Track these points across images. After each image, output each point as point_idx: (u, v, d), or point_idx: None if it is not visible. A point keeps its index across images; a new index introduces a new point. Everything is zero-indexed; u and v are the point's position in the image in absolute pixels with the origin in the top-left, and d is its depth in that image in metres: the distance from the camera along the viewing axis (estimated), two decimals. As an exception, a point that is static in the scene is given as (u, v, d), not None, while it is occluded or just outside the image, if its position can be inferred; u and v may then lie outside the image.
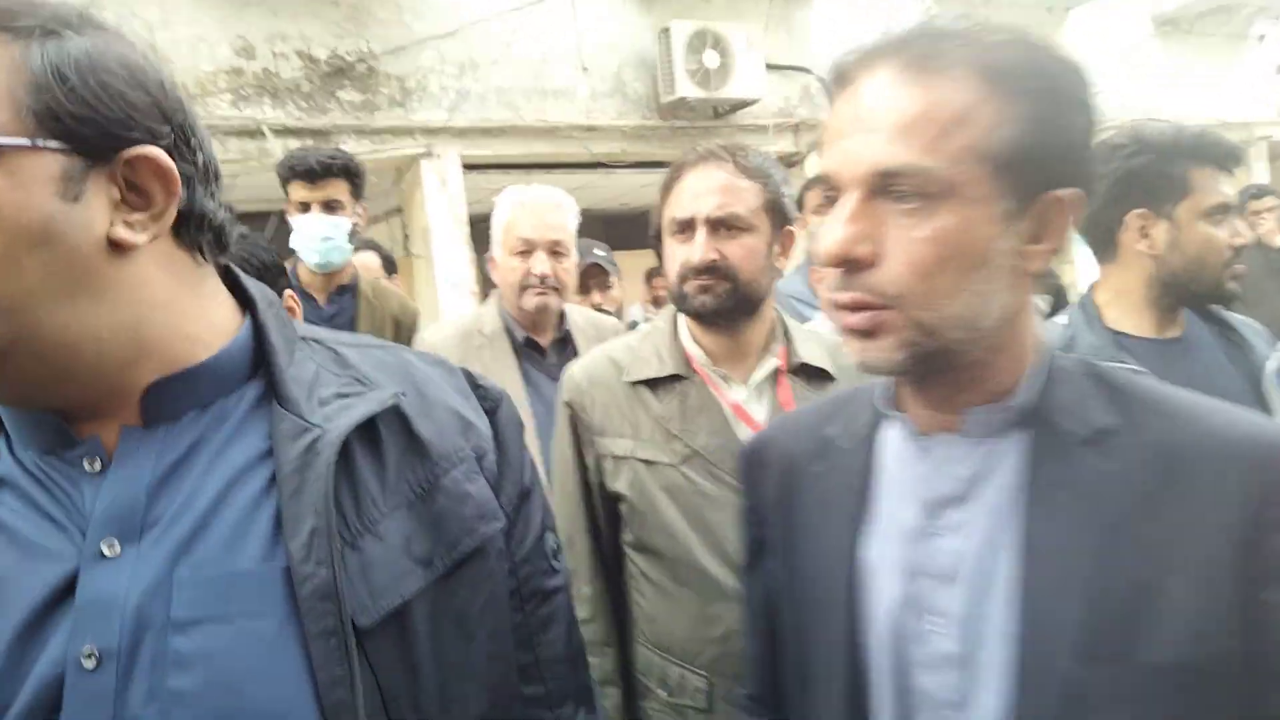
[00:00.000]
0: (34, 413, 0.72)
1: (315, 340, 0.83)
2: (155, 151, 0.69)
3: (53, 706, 0.64)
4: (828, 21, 5.50)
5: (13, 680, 0.65)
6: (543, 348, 2.20)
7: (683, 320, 1.60)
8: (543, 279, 2.12)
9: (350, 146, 4.44)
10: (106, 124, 0.66)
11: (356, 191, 2.68)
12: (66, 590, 0.67)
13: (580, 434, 1.60)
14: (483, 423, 0.85)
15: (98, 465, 0.71)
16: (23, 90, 0.64)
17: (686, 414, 1.52)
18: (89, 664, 0.64)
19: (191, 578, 0.67)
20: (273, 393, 0.76)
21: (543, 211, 2.17)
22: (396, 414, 0.78)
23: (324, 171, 2.61)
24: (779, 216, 1.54)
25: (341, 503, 0.72)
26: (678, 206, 1.52)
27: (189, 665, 0.65)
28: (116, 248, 0.68)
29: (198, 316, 0.75)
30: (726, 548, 1.44)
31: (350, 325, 2.69)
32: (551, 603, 0.88)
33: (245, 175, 4.37)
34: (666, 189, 1.56)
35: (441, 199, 4.75)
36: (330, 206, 2.61)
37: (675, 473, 1.49)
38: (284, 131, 4.32)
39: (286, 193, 2.64)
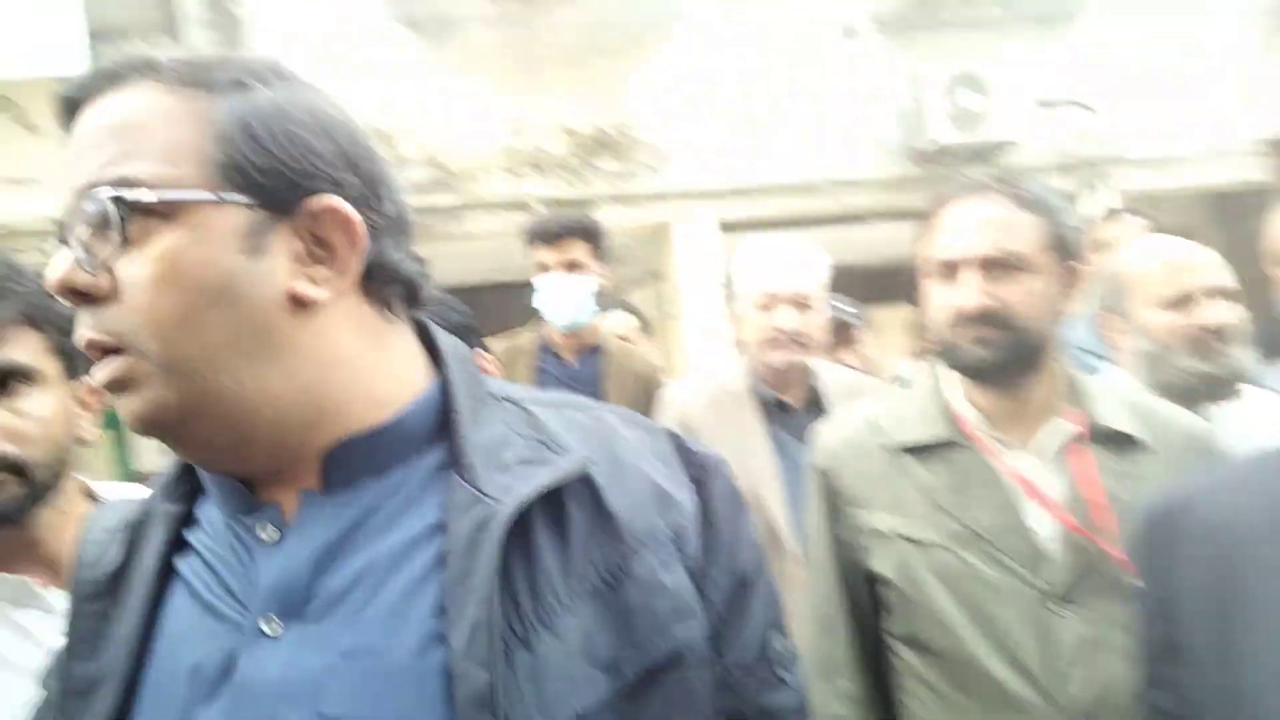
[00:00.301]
0: (221, 477, 0.71)
1: (510, 400, 0.76)
2: (338, 201, 0.66)
3: None
4: (1089, 49, 5.07)
5: None
6: (791, 407, 2.12)
7: (950, 377, 1.42)
8: (787, 334, 2.04)
9: (609, 214, 4.64)
10: (290, 174, 0.65)
11: (598, 252, 2.71)
12: (228, 666, 0.64)
13: (834, 504, 1.42)
14: (686, 496, 0.72)
15: (274, 534, 0.68)
16: (209, 144, 0.64)
17: (959, 486, 1.32)
18: None
19: (346, 669, 0.62)
20: (452, 457, 0.69)
21: (786, 263, 2.10)
22: (585, 484, 0.68)
23: (563, 232, 2.66)
24: (1065, 253, 1.34)
25: (515, 589, 0.63)
26: (942, 246, 1.36)
27: None
28: (299, 304, 0.65)
29: (384, 375, 0.70)
30: (1017, 651, 1.23)
31: (598, 384, 2.73)
32: None
33: (517, 247, 4.67)
34: (928, 227, 1.40)
35: (697, 260, 4.82)
36: (572, 266, 2.65)
37: (949, 555, 1.29)
38: (549, 203, 4.57)
39: (529, 256, 2.71)
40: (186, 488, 0.75)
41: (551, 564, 0.65)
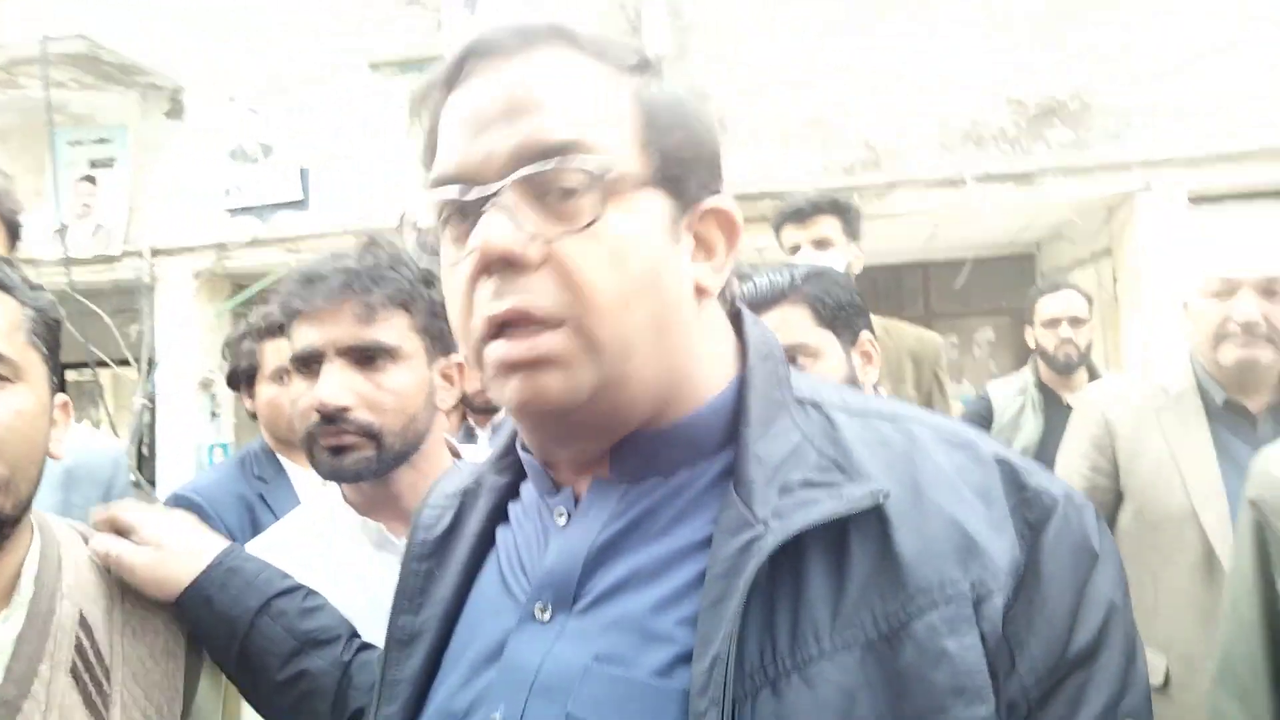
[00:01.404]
0: (530, 458, 0.73)
1: (815, 404, 0.68)
2: (730, 204, 0.68)
3: None
4: None
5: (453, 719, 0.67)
6: (1251, 413, 1.77)
7: None
8: (1249, 326, 1.70)
9: (1055, 187, 4.22)
10: (700, 172, 0.66)
11: (850, 230, 2.59)
12: (503, 644, 0.67)
13: (1270, 548, 1.13)
14: (1006, 546, 0.59)
15: (564, 520, 0.69)
16: (639, 124, 0.63)
17: None
18: None
19: (598, 673, 0.60)
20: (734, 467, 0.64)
21: (1254, 241, 1.76)
22: (875, 517, 0.58)
23: (812, 210, 2.56)
24: None
25: (775, 625, 0.57)
26: None
27: None
28: (699, 294, 0.67)
29: (705, 370, 0.68)
30: None
31: None
32: None
33: (944, 226, 4.45)
34: None
35: (1158, 237, 4.21)
36: (821, 244, 2.55)
37: None
38: (986, 178, 4.28)
39: (780, 241, 2.63)
40: (515, 460, 0.77)
41: (820, 603, 0.57)
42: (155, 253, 4.87)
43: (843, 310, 1.57)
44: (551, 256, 0.61)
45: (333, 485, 1.34)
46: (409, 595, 0.77)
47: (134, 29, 4.74)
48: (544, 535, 0.70)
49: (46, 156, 4.86)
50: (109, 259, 4.90)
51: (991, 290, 5.28)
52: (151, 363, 4.97)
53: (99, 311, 4.68)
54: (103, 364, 4.74)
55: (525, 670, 0.64)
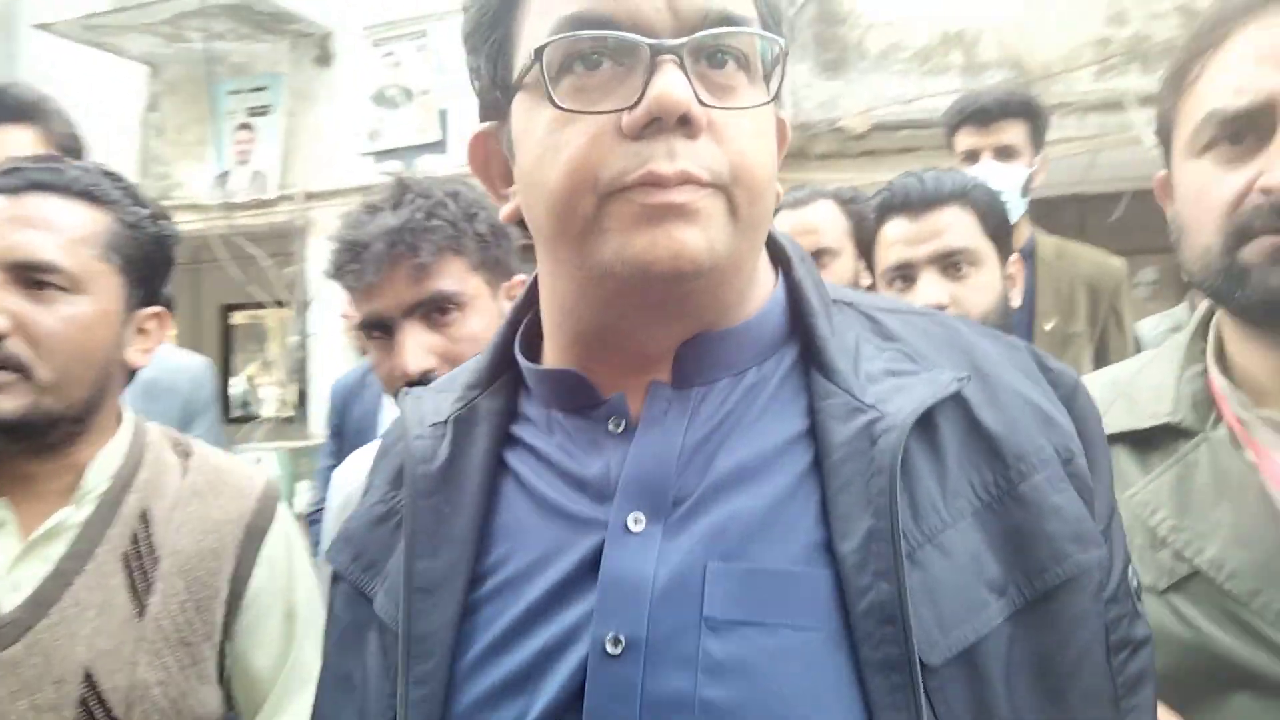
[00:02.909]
0: (556, 370, 0.72)
1: (848, 303, 0.73)
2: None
3: (579, 693, 0.60)
4: None
5: (539, 655, 0.62)
6: None
7: (1222, 322, 0.96)
8: None
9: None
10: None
11: (1037, 137, 2.25)
12: (590, 564, 0.63)
13: None
14: (1063, 416, 0.67)
15: (621, 427, 0.68)
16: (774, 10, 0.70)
17: (1201, 497, 0.87)
18: (613, 649, 0.60)
19: (726, 571, 0.60)
20: (811, 362, 0.67)
21: None
22: (956, 401, 0.64)
23: (1000, 111, 2.21)
24: None
25: (895, 503, 0.60)
26: (1226, 87, 0.86)
27: (723, 674, 0.58)
28: None
29: (762, 271, 0.71)
30: None
31: (1027, 300, 2.21)
32: (1140, 657, 0.67)
33: (1103, 153, 4.15)
34: (1191, 59, 0.91)
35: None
36: (1004, 153, 2.20)
37: (1163, 608, 0.85)
38: (1150, 100, 3.96)
39: (951, 144, 2.29)
40: (507, 382, 0.75)
41: (929, 481, 0.62)
42: (308, 196, 5.11)
43: (1003, 226, 1.51)
44: (712, 126, 0.62)
45: None
46: (424, 537, 0.69)
47: (283, -21, 4.92)
48: (592, 448, 0.68)
49: (208, 106, 5.14)
50: (266, 204, 5.18)
51: (1154, 225, 4.90)
52: (305, 303, 5.26)
53: (259, 255, 4.97)
54: (260, 305, 5.04)
55: (636, 583, 0.61)
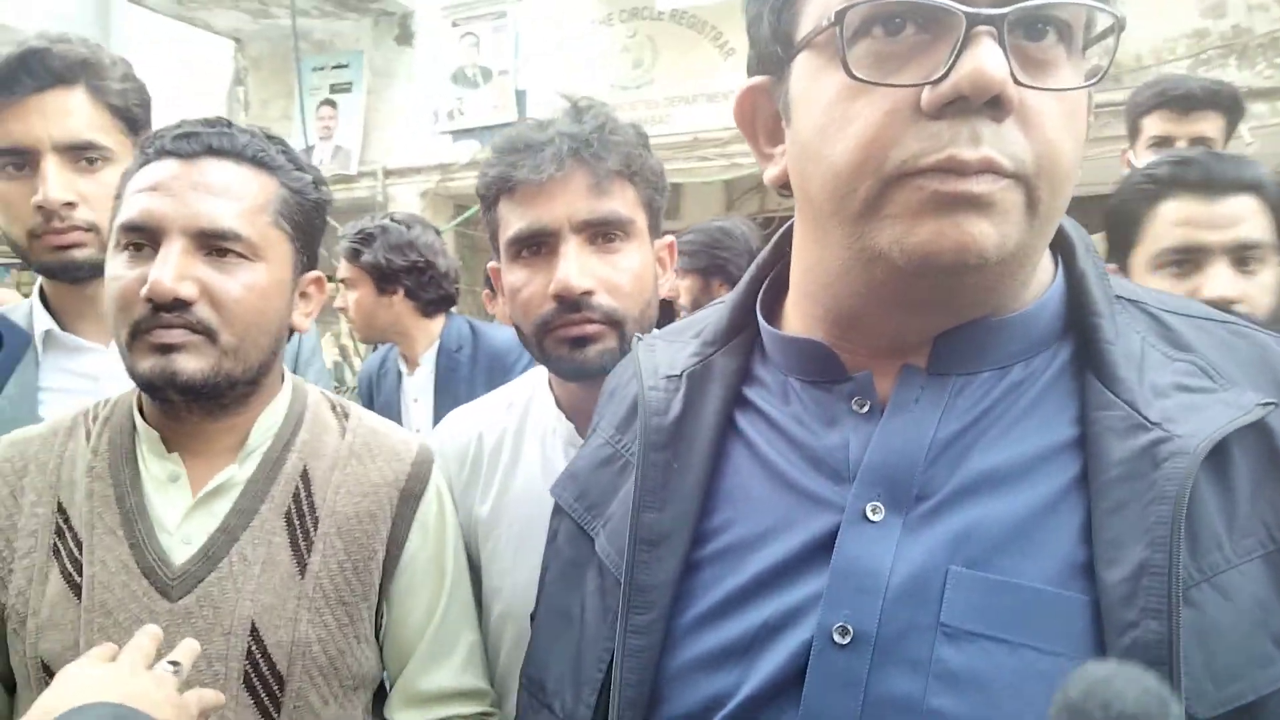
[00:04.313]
0: (802, 339, 0.68)
1: (1133, 301, 0.65)
2: None
3: (797, 675, 0.58)
4: None
5: (760, 629, 0.60)
6: None
7: None
8: None
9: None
10: None
11: (1230, 134, 2.12)
12: (820, 545, 0.60)
13: None
14: None
15: (865, 407, 0.64)
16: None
17: None
18: (841, 639, 0.57)
19: (970, 578, 0.56)
20: (1090, 364, 0.61)
21: None
22: (1257, 428, 0.56)
23: (1207, 100, 2.07)
24: None
25: (1177, 536, 0.53)
26: None
27: (956, 684, 0.54)
28: None
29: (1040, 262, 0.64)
30: None
31: None
32: None
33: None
34: None
35: None
36: (1198, 144, 2.07)
37: None
38: (1248, 95, 3.81)
39: (1136, 126, 2.16)
40: (746, 340, 0.73)
41: (1215, 512, 0.55)
42: (387, 173, 5.20)
43: None
44: (1023, 107, 0.55)
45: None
46: (652, 490, 0.67)
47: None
48: (829, 423, 0.65)
49: (294, 82, 5.26)
50: (347, 179, 5.29)
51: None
52: (383, 276, 5.35)
53: (340, 229, 5.08)
54: (342, 281, 5.15)
55: (872, 575, 0.58)
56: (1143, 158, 2.09)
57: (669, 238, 1.20)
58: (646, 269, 1.12)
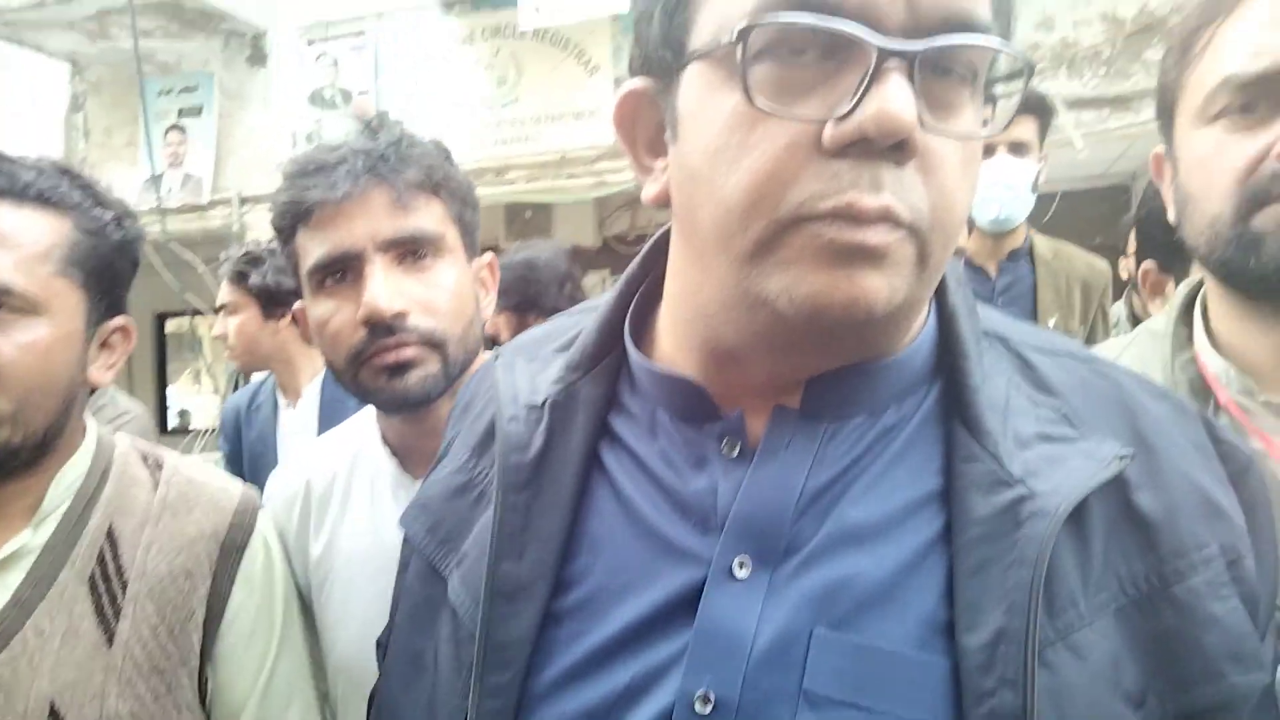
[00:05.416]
0: (673, 376, 0.64)
1: (1001, 338, 0.64)
2: None
3: None
4: None
5: (621, 694, 0.57)
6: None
7: (1211, 302, 0.92)
8: None
9: (1153, 112, 4.01)
10: None
11: (1043, 134, 2.28)
12: (684, 601, 0.57)
13: None
14: (1232, 503, 0.58)
15: (736, 449, 0.61)
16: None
17: None
18: (702, 708, 0.54)
19: (833, 642, 0.54)
20: (957, 409, 0.59)
21: None
22: (1114, 480, 0.56)
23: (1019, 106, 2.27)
24: None
25: (1035, 603, 0.52)
26: (1241, 51, 0.82)
27: None
28: None
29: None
30: None
31: (1029, 298, 2.32)
32: None
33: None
34: (1200, 26, 0.87)
35: None
36: (1017, 149, 2.21)
37: None
38: (1077, 103, 4.08)
39: None
40: (612, 365, 0.68)
41: (1069, 568, 0.54)
42: (243, 200, 5.00)
43: None
44: (925, 151, 0.52)
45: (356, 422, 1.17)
46: (510, 535, 0.63)
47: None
48: (697, 464, 0.62)
49: (138, 107, 5.00)
50: (199, 208, 5.05)
51: (1085, 224, 5.07)
52: (243, 307, 5.13)
53: (194, 261, 4.85)
54: (198, 313, 4.91)
55: (735, 637, 0.55)
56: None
57: (489, 255, 1.14)
58: (464, 286, 1.06)
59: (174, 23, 4.84)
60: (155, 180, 4.93)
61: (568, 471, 0.64)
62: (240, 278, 2.49)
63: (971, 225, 2.40)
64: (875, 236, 0.51)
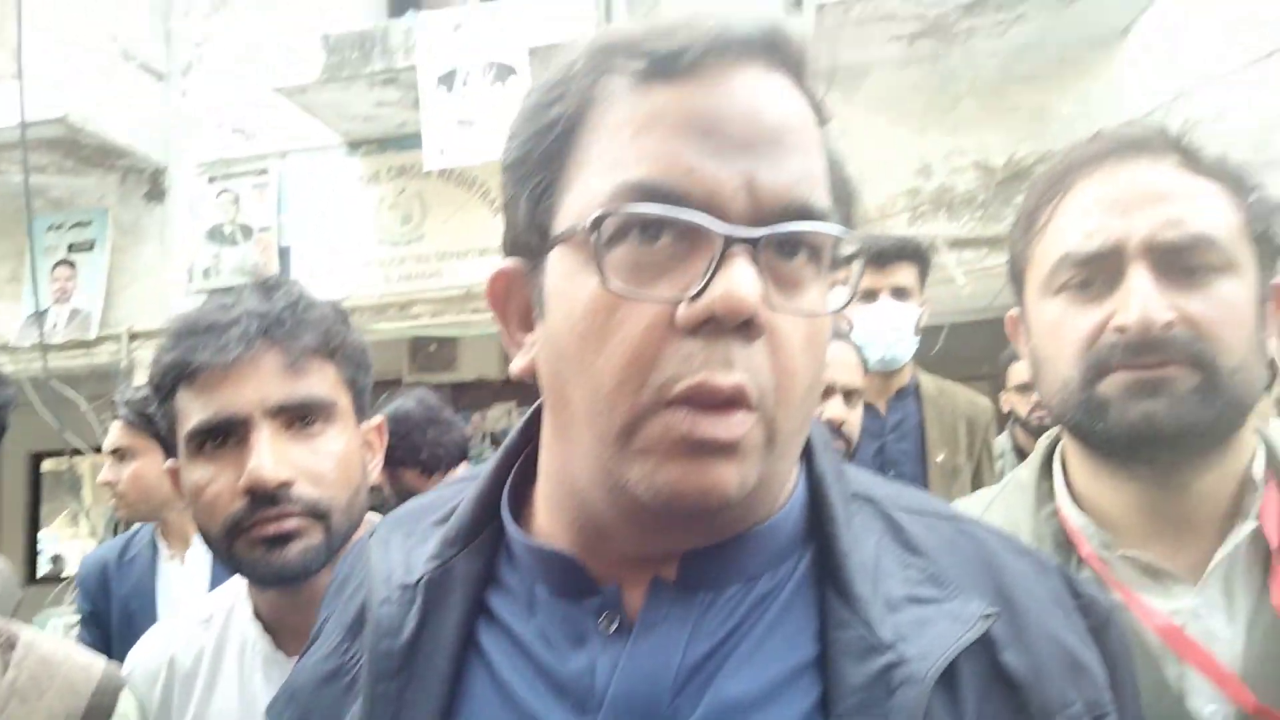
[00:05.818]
0: (549, 550, 0.64)
1: (867, 498, 0.66)
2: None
3: None
4: None
5: None
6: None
7: (1069, 458, 0.96)
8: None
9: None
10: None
11: (923, 279, 2.44)
12: None
13: None
14: (1094, 657, 0.60)
15: (614, 624, 0.61)
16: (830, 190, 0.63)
17: None
18: None
19: None
20: (829, 574, 0.60)
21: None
22: (981, 640, 0.58)
23: (896, 254, 2.37)
24: (1269, 250, 0.89)
25: None
26: (1076, 231, 0.89)
27: None
28: None
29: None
30: None
31: (917, 434, 2.42)
32: None
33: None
34: (1040, 205, 0.94)
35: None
36: (898, 294, 2.36)
37: None
38: (957, 243, 4.34)
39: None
40: (488, 540, 0.68)
41: None
42: (133, 336, 4.84)
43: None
44: (771, 327, 0.55)
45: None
46: None
47: (114, 111, 4.77)
48: (576, 641, 0.61)
49: (25, 242, 4.85)
50: (85, 344, 4.86)
51: (972, 355, 5.33)
52: (128, 446, 4.89)
53: (76, 398, 4.63)
54: (77, 452, 4.67)
55: None
56: (851, 309, 2.31)
57: (377, 418, 1.12)
58: (352, 454, 1.04)
59: (69, 159, 4.77)
60: (39, 316, 4.75)
61: (442, 655, 0.62)
62: (142, 420, 2.32)
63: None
64: (726, 431, 0.54)
